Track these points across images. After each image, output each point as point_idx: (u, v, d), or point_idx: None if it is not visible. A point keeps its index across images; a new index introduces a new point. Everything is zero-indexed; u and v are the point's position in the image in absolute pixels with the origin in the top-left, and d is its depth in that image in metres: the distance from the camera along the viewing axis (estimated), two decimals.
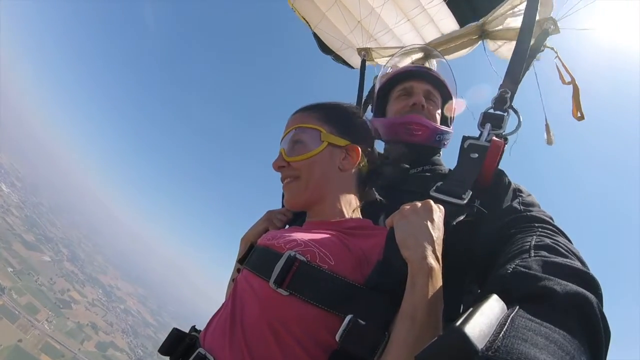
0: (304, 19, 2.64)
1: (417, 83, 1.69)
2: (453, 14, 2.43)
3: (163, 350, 1.09)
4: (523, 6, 1.61)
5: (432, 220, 0.93)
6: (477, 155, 1.23)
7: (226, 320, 1.00)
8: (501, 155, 1.23)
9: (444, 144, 1.66)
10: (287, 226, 1.49)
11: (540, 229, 0.93)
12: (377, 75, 2.30)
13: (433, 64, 2.27)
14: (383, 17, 2.49)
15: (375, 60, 2.58)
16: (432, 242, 0.88)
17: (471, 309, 0.55)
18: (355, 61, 2.81)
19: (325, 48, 2.84)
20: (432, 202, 0.99)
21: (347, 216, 1.21)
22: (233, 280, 1.39)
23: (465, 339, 0.47)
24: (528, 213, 1.04)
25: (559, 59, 1.67)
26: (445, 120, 1.73)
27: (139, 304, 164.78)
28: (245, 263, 1.15)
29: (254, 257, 1.11)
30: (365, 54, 2.59)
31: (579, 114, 1.61)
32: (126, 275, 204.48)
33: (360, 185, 1.32)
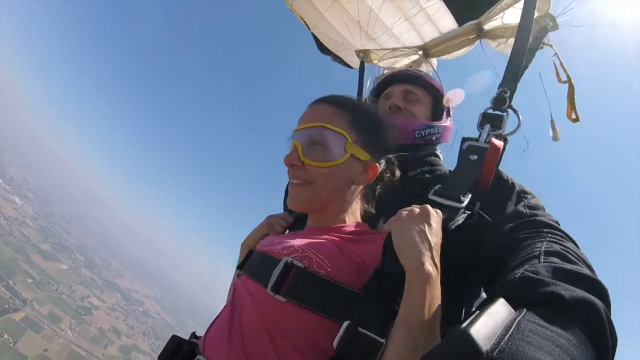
0: (303, 19, 2.59)
1: (395, 86, 1.71)
2: (451, 12, 2.38)
3: (162, 358, 1.11)
4: (520, 4, 1.59)
5: (429, 225, 0.91)
6: (476, 157, 1.22)
7: (225, 326, 1.00)
8: (501, 156, 1.23)
9: (433, 140, 1.61)
10: (287, 231, 1.46)
11: (549, 235, 0.92)
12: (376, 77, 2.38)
13: (429, 65, 2.32)
14: (382, 17, 2.45)
15: (374, 61, 2.53)
16: (429, 248, 0.86)
17: (478, 311, 0.56)
18: (355, 61, 2.78)
19: (323, 48, 2.80)
20: (429, 206, 0.97)
21: (347, 223, 1.20)
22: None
23: (470, 340, 0.47)
24: (535, 218, 1.03)
25: (558, 56, 1.63)
26: (438, 115, 1.69)
27: (157, 306, 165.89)
28: (244, 268, 1.15)
29: (253, 263, 1.12)
30: (364, 55, 2.53)
31: (573, 115, 1.59)
32: (142, 277, 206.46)
33: (366, 197, 1.29)
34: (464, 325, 0.51)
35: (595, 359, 0.54)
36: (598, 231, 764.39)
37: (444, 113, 1.69)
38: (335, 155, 1.14)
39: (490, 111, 1.37)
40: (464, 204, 1.06)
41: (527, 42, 1.46)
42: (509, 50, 1.55)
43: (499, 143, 1.21)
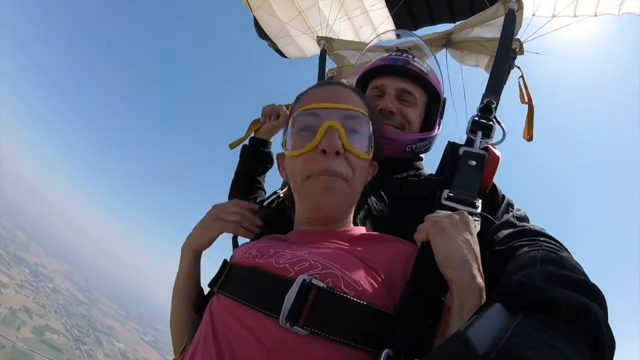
0: (246, 1, 2.43)
1: (389, 80, 1.42)
2: (393, 20, 2.45)
3: None
4: (491, 24, 1.76)
5: (471, 234, 0.83)
6: (474, 162, 1.17)
7: None
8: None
9: (422, 151, 1.45)
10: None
11: (545, 244, 0.87)
12: (332, 68, 2.28)
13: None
14: (324, 11, 2.39)
15: (335, 51, 2.32)
16: (476, 259, 0.79)
17: (475, 316, 0.57)
18: (291, 50, 2.74)
19: (262, 33, 2.67)
20: (467, 213, 0.90)
21: (351, 226, 1.05)
22: (196, 306, 1.11)
23: (467, 342, 0.48)
24: (529, 227, 0.99)
25: (523, 78, 1.65)
26: (431, 121, 1.48)
27: (67, 281, 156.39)
28: (222, 287, 0.92)
29: (241, 282, 0.89)
30: (325, 43, 2.30)
31: (528, 136, 1.61)
32: (49, 251, 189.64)
33: None
34: (461, 329, 0.51)
35: None
36: None
37: (438, 119, 1.50)
38: (368, 148, 1.02)
39: (477, 119, 1.34)
40: (479, 209, 1.02)
41: (508, 55, 1.52)
42: (469, 63, 1.71)
43: (498, 152, 1.19)
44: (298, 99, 1.15)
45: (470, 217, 0.89)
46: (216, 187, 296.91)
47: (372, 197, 1.16)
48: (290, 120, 1.07)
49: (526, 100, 1.64)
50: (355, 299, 0.76)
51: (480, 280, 0.77)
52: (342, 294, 0.76)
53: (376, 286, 0.81)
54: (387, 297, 0.81)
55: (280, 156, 1.17)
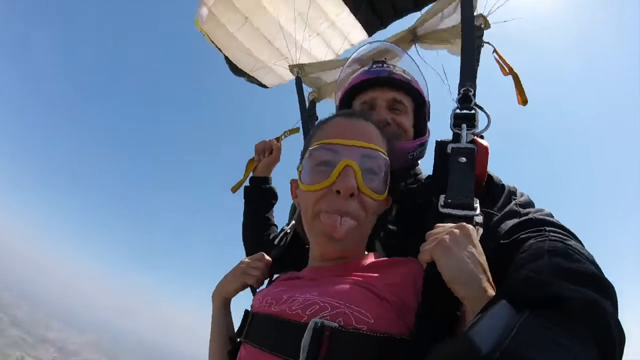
0: (214, 43, 2.50)
1: (379, 92, 1.44)
2: (360, 23, 2.41)
3: None
4: (451, 8, 1.74)
5: (475, 245, 0.80)
6: (464, 159, 1.11)
7: None
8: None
9: (420, 157, 1.47)
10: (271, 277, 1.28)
11: (552, 234, 0.84)
12: (312, 90, 2.36)
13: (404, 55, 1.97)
14: (291, 34, 2.43)
15: (309, 75, 2.39)
16: (484, 271, 0.76)
17: (480, 314, 0.56)
18: (269, 80, 2.77)
19: (237, 70, 2.69)
20: (466, 224, 0.86)
21: (361, 255, 1.05)
22: (231, 355, 1.11)
23: (470, 342, 0.48)
24: (533, 216, 0.96)
25: (497, 52, 1.64)
26: (421, 126, 1.51)
27: (95, 352, 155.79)
28: (247, 336, 0.99)
29: (261, 331, 0.95)
30: (298, 70, 2.37)
31: (522, 101, 1.62)
32: (71, 324, 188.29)
33: None
34: (466, 327, 0.51)
35: (599, 358, 0.51)
36: None
37: (427, 123, 1.52)
38: (383, 188, 1.03)
39: (458, 111, 1.29)
40: (478, 211, 0.97)
41: (473, 38, 1.46)
42: (441, 47, 1.65)
43: (485, 143, 1.14)
44: (318, 127, 1.16)
45: (471, 226, 0.86)
46: (229, 221, 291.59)
47: (387, 224, 1.18)
48: (308, 152, 1.06)
49: (507, 71, 1.64)
50: (368, 333, 0.77)
51: (491, 292, 0.74)
52: (354, 331, 0.77)
53: (388, 315, 0.81)
54: (401, 323, 0.81)
55: (294, 182, 1.17)
